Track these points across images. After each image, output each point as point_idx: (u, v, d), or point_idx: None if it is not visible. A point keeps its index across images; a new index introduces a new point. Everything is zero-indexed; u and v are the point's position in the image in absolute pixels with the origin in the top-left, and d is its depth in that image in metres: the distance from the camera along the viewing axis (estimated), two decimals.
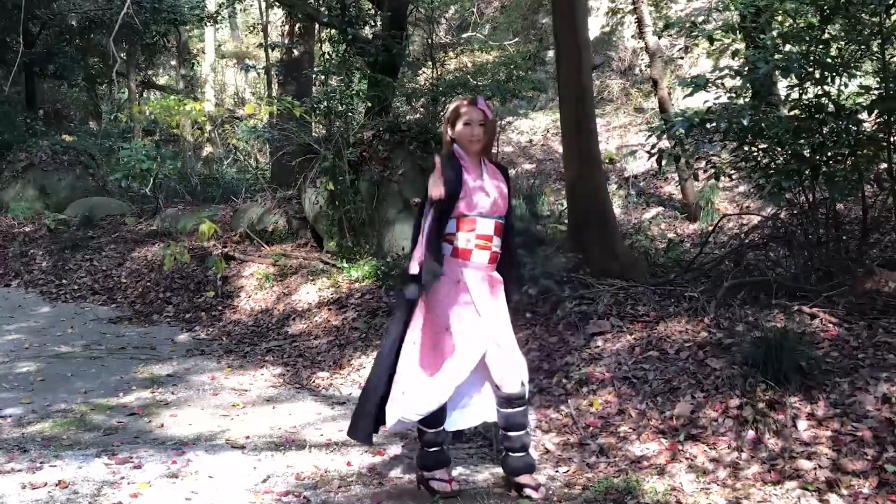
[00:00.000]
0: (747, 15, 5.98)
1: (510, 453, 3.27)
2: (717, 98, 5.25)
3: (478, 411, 3.41)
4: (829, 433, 3.36)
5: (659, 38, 10.66)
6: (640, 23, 10.72)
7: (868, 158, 4.96)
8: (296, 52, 11.94)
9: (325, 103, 8.72)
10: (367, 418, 3.29)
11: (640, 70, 14.21)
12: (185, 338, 7.01)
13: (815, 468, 3.22)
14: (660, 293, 5.28)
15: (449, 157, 3.28)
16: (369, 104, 9.43)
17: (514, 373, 3.20)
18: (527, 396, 3.30)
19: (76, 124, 16.56)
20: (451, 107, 3.36)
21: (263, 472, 3.56)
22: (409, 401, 3.17)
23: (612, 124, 13.37)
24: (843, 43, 5.03)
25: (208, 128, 15.47)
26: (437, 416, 3.24)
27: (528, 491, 3.22)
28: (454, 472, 3.55)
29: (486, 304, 3.18)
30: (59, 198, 11.84)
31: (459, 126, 3.26)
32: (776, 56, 4.86)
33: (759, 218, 7.54)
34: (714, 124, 5.13)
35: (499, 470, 3.64)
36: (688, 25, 6.01)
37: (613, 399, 4.13)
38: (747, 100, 5.45)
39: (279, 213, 9.25)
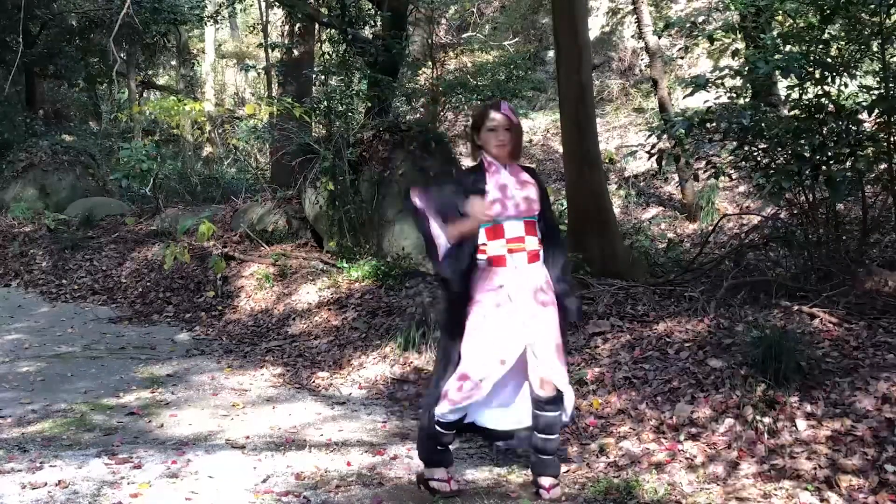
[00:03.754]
0: (747, 15, 5.99)
1: (539, 455, 3.26)
2: (717, 98, 5.26)
3: (514, 415, 3.38)
4: (828, 433, 3.36)
5: (659, 38, 10.65)
6: (640, 23, 10.72)
7: (868, 158, 4.96)
8: (296, 52, 11.94)
9: (325, 103, 8.72)
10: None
11: (640, 70, 14.21)
12: (185, 338, 7.01)
13: (814, 468, 3.22)
14: (660, 293, 5.28)
15: (470, 169, 3.29)
16: (369, 104, 9.44)
17: (550, 377, 3.16)
18: (562, 401, 3.23)
19: (76, 124, 16.55)
20: (476, 113, 3.34)
21: (263, 472, 3.56)
22: (448, 400, 3.17)
23: (612, 124, 13.36)
24: (843, 43, 5.04)
25: (208, 128, 15.47)
26: (456, 422, 3.24)
27: (541, 492, 3.23)
28: (456, 475, 3.55)
29: (526, 309, 3.14)
30: (59, 198, 11.83)
31: (484, 132, 3.23)
32: (776, 56, 4.86)
33: (759, 218, 7.55)
34: (714, 124, 5.13)
35: (499, 470, 3.64)
36: (688, 25, 6.02)
37: (613, 399, 4.13)
38: (747, 100, 5.46)
39: (279, 213, 9.24)
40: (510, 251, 3.17)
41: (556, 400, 3.20)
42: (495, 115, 3.23)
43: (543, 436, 3.23)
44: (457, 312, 3.25)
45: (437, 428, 3.24)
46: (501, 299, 3.15)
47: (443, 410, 3.19)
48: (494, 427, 3.42)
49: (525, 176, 3.30)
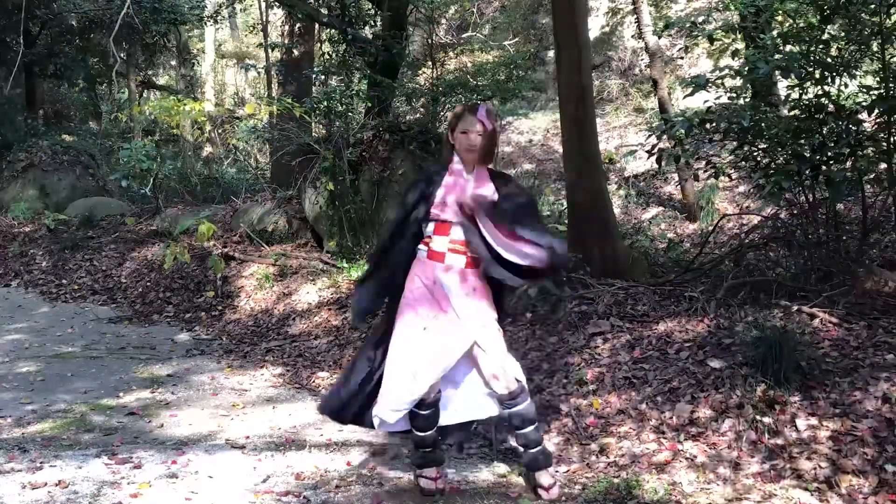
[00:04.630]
0: (747, 15, 5.98)
1: (525, 449, 3.30)
2: (717, 98, 5.25)
3: (467, 408, 3.39)
4: (828, 433, 3.36)
5: (659, 38, 10.65)
6: (640, 23, 10.72)
7: (868, 158, 4.95)
8: (296, 52, 11.94)
9: (325, 103, 8.72)
10: (340, 401, 3.33)
11: (640, 70, 14.20)
12: (185, 338, 7.01)
13: (814, 467, 3.22)
14: (660, 293, 5.28)
15: (435, 167, 3.33)
16: (369, 104, 9.43)
17: (504, 372, 3.21)
18: (525, 391, 3.28)
19: (76, 124, 16.55)
20: (454, 113, 3.37)
21: (263, 472, 3.56)
22: (385, 400, 3.19)
23: (612, 124, 13.36)
24: (843, 43, 5.03)
25: (208, 128, 15.47)
26: (428, 420, 3.26)
27: (540, 492, 3.25)
28: (456, 475, 3.55)
29: (463, 304, 3.18)
30: (59, 198, 11.83)
31: (458, 133, 3.26)
32: (776, 56, 4.87)
33: (759, 218, 7.54)
34: (714, 124, 5.13)
35: (499, 469, 3.65)
36: (688, 25, 6.01)
37: (613, 399, 4.13)
38: (747, 100, 5.45)
39: (279, 214, 9.25)
40: (451, 251, 3.22)
41: (521, 390, 3.24)
42: (471, 119, 3.24)
43: (522, 431, 3.26)
44: (391, 307, 3.29)
45: (415, 432, 3.28)
46: (438, 297, 3.18)
47: (383, 410, 3.18)
48: (454, 421, 3.42)
49: (489, 184, 3.28)
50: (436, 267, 3.22)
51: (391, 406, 3.18)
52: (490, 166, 3.39)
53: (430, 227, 3.25)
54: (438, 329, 3.16)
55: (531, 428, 3.27)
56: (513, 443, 3.46)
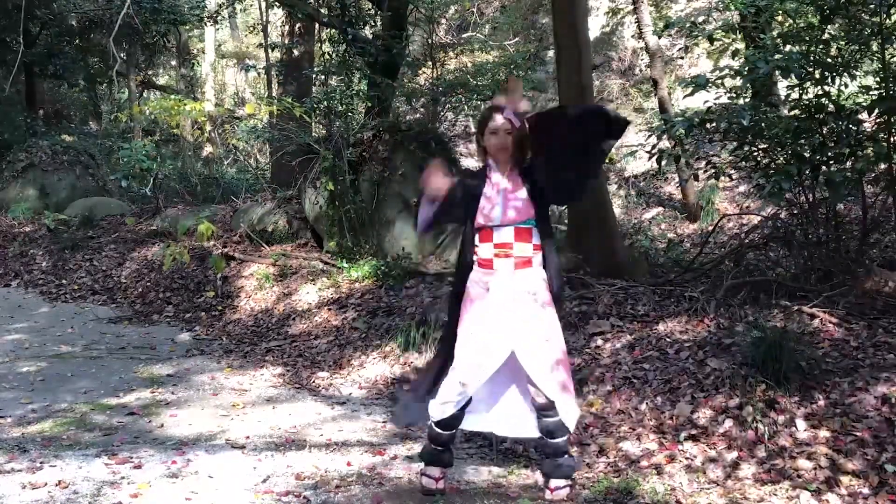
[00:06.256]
0: (747, 15, 5.98)
1: (546, 457, 3.28)
2: (717, 98, 5.26)
3: (506, 423, 3.39)
4: (828, 433, 3.36)
5: (659, 38, 10.64)
6: (640, 23, 10.71)
7: (868, 159, 4.96)
8: (296, 52, 11.94)
9: (325, 103, 8.72)
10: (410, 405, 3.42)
11: (640, 70, 14.20)
12: (185, 338, 7.01)
13: (814, 468, 3.22)
14: (660, 293, 5.28)
15: (475, 172, 3.37)
16: (369, 104, 9.44)
17: (541, 382, 3.15)
18: (554, 408, 3.17)
19: (76, 124, 16.55)
20: (480, 115, 3.37)
21: (263, 472, 3.56)
22: (439, 395, 3.24)
23: None
24: (843, 43, 5.04)
25: (208, 128, 15.44)
26: (451, 420, 3.26)
27: (545, 491, 3.24)
28: (456, 475, 3.55)
29: (510, 310, 3.16)
30: (59, 198, 11.84)
31: (487, 134, 3.25)
32: (776, 56, 4.86)
33: (759, 218, 7.55)
34: (714, 124, 5.13)
35: (499, 470, 3.65)
36: (688, 25, 6.02)
37: (613, 399, 4.13)
38: (747, 100, 5.46)
39: (279, 214, 9.25)
40: (496, 256, 3.21)
41: (551, 407, 3.17)
42: (496, 118, 3.23)
43: (547, 440, 3.25)
44: (454, 309, 3.33)
45: (434, 427, 3.29)
46: (488, 303, 3.19)
47: (432, 407, 3.25)
48: (495, 432, 3.45)
49: (522, 182, 3.24)
50: (487, 273, 3.22)
51: (440, 400, 3.22)
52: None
53: (476, 235, 3.27)
54: (484, 334, 3.16)
55: (556, 440, 3.21)
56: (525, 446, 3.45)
